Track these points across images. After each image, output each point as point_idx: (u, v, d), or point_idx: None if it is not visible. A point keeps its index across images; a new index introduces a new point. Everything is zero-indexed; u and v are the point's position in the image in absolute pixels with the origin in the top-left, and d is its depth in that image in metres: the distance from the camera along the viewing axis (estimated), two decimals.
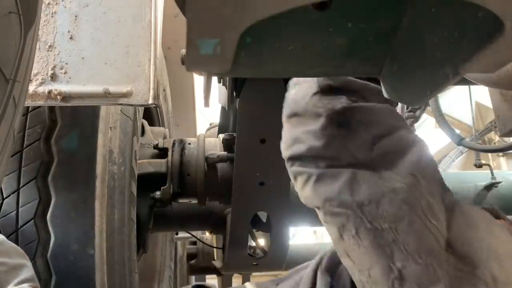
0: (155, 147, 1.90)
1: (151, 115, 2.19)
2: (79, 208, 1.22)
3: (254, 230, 1.72)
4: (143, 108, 1.68)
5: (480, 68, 0.64)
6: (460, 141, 1.65)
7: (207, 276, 4.14)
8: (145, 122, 1.98)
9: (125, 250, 1.37)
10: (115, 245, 1.31)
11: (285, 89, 1.27)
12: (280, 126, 1.34)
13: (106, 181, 1.28)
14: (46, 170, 1.24)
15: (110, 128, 1.34)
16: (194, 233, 3.07)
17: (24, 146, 1.24)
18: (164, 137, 2.05)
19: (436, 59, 0.68)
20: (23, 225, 1.20)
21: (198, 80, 3.40)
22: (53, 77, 1.01)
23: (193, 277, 3.98)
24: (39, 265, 1.20)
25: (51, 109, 1.27)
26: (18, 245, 1.19)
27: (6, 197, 1.22)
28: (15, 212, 1.21)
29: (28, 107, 1.25)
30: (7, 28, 0.54)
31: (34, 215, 1.21)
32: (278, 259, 1.79)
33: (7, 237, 1.20)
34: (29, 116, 1.27)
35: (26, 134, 1.25)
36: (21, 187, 1.22)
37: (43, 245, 1.20)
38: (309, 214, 2.40)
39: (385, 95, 0.89)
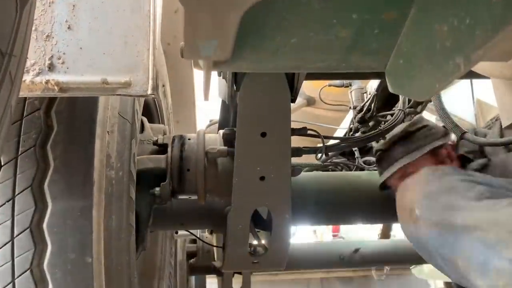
0: (155, 143, 1.88)
1: (150, 111, 2.17)
2: (76, 216, 1.19)
3: (254, 226, 1.71)
4: (141, 107, 1.66)
5: (493, 56, 0.62)
6: (462, 135, 1.64)
7: (207, 276, 4.13)
8: (145, 119, 1.97)
9: (123, 256, 1.34)
10: (113, 252, 1.28)
11: (286, 82, 1.25)
12: (281, 119, 1.33)
13: (103, 187, 1.25)
14: (42, 177, 1.20)
15: (108, 132, 1.30)
16: (193, 231, 3.05)
17: (19, 153, 1.20)
18: (164, 134, 2.03)
19: (445, 49, 0.66)
20: (19, 233, 1.17)
21: (198, 77, 3.38)
22: (51, 67, 0.98)
23: (193, 278, 3.96)
24: (35, 275, 1.17)
25: (47, 114, 1.23)
26: (14, 254, 1.17)
27: (1, 206, 1.18)
28: (10, 220, 1.17)
29: (23, 113, 1.22)
30: (2, 2, 0.53)
31: (30, 224, 1.17)
32: (279, 256, 1.77)
33: (2, 246, 1.17)
34: (24, 121, 1.23)
35: (21, 140, 1.21)
36: (17, 194, 1.19)
37: (39, 254, 1.17)
38: (309, 213, 2.40)
39: (390, 90, 0.87)
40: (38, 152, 1.22)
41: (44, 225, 1.18)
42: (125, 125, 1.39)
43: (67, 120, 1.25)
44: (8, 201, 1.18)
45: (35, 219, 1.18)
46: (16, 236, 1.17)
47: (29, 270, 1.16)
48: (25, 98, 1.22)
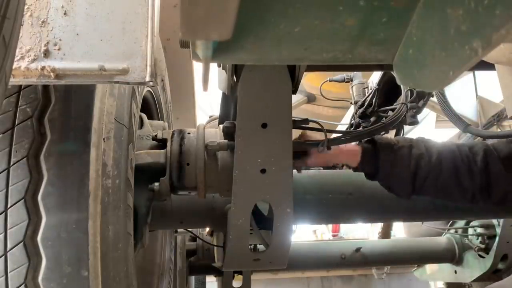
0: (154, 138, 1.85)
1: (149, 106, 2.15)
2: (71, 229, 1.15)
3: (255, 221, 1.68)
4: (139, 108, 1.64)
5: None
6: (466, 128, 1.62)
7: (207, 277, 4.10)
8: (144, 115, 1.94)
9: (121, 267, 1.30)
10: (110, 264, 1.24)
11: (288, 72, 1.22)
12: (282, 110, 1.30)
13: (99, 198, 1.20)
14: (35, 189, 1.16)
15: (104, 139, 1.26)
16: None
17: (11, 163, 1.16)
18: (163, 130, 2.01)
19: (461, 34, 0.62)
20: (12, 247, 1.13)
21: (198, 72, 3.36)
22: (46, 54, 0.96)
23: (192, 278, 3.94)
24: None
25: (40, 121, 1.19)
26: (7, 268, 1.13)
27: None
28: (3, 234, 1.13)
29: (14, 121, 1.18)
30: None
31: (24, 237, 1.13)
32: (280, 252, 1.74)
33: None
34: (16, 130, 1.18)
35: (12, 150, 1.17)
36: (9, 207, 1.14)
37: (34, 268, 1.13)
38: (309, 211, 2.37)
39: (398, 82, 0.84)
40: (31, 163, 1.17)
41: (38, 239, 1.14)
42: (122, 131, 1.35)
43: (61, 128, 1.21)
44: (0, 214, 1.14)
45: (29, 232, 1.14)
46: (9, 250, 1.13)
47: (23, 285, 1.13)
48: (16, 106, 1.19)
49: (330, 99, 2.96)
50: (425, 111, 3.36)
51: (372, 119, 2.35)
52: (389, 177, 1.57)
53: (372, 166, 1.60)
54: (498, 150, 1.50)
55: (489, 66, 1.44)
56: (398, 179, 1.56)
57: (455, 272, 3.99)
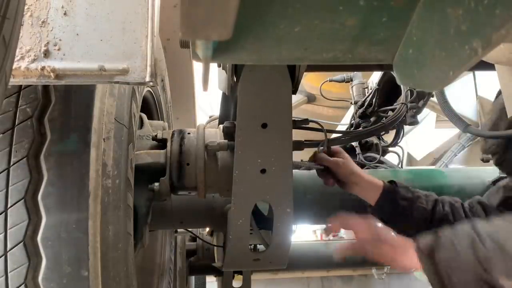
0: (154, 138, 1.86)
1: (149, 106, 2.15)
2: (71, 229, 1.15)
3: (255, 221, 1.68)
4: (139, 108, 1.64)
5: None
6: (466, 128, 1.62)
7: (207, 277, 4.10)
8: (144, 115, 1.95)
9: (121, 267, 1.30)
10: (110, 264, 1.24)
11: (288, 72, 1.22)
12: (282, 110, 1.30)
13: (99, 198, 1.20)
14: (35, 189, 1.16)
15: (104, 139, 1.26)
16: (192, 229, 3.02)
17: (11, 164, 1.16)
18: (163, 130, 2.01)
19: (460, 33, 0.62)
20: (12, 247, 1.13)
21: (198, 72, 3.36)
22: (46, 54, 0.96)
23: (192, 278, 3.94)
24: None
25: (40, 121, 1.19)
26: (7, 268, 1.13)
27: None
28: (3, 234, 1.13)
29: (14, 121, 1.18)
30: None
31: (24, 237, 1.13)
32: (280, 252, 1.74)
33: None
34: (16, 130, 1.18)
35: (12, 150, 1.17)
36: (9, 207, 1.15)
37: (34, 268, 1.13)
38: (309, 212, 2.37)
39: (398, 82, 0.84)
40: (31, 163, 1.17)
41: (38, 239, 1.14)
42: (122, 130, 1.35)
43: (61, 128, 1.20)
44: (0, 214, 1.14)
45: (29, 232, 1.14)
46: (9, 250, 1.13)
47: (23, 285, 1.13)
48: (16, 106, 1.19)
49: (330, 99, 2.97)
50: (425, 111, 3.36)
51: (372, 119, 2.35)
52: (408, 218, 1.62)
53: (390, 203, 1.63)
54: (491, 201, 1.62)
55: (489, 66, 1.44)
56: (416, 221, 1.62)
57: None
